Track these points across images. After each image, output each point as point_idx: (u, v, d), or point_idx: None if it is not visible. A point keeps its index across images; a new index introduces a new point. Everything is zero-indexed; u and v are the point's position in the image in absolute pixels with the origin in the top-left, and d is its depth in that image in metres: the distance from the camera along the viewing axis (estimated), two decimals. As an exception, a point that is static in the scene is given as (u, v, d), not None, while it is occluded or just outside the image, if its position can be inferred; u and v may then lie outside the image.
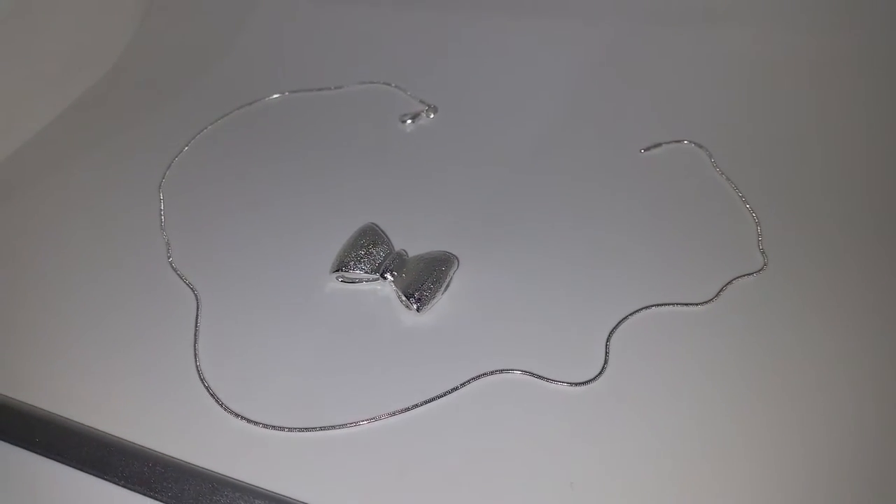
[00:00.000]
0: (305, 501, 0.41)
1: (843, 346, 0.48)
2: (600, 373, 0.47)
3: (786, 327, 0.49)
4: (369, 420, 0.45)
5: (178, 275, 0.54)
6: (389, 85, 0.72)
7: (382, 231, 0.55)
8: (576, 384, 0.47)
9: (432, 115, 0.69)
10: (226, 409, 0.46)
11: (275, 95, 0.71)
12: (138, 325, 0.51)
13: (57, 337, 0.50)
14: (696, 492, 0.41)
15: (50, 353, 0.49)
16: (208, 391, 0.47)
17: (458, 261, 0.53)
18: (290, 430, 0.45)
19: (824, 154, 0.62)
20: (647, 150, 0.63)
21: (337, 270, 0.53)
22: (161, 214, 0.59)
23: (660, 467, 0.43)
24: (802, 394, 0.46)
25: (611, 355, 0.48)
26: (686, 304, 0.51)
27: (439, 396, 0.47)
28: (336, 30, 0.79)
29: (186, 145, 0.66)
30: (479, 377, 0.47)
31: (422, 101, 0.70)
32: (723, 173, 0.61)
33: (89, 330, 0.51)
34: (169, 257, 0.56)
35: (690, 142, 0.63)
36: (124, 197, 0.61)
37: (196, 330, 0.51)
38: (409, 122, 0.68)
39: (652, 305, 0.51)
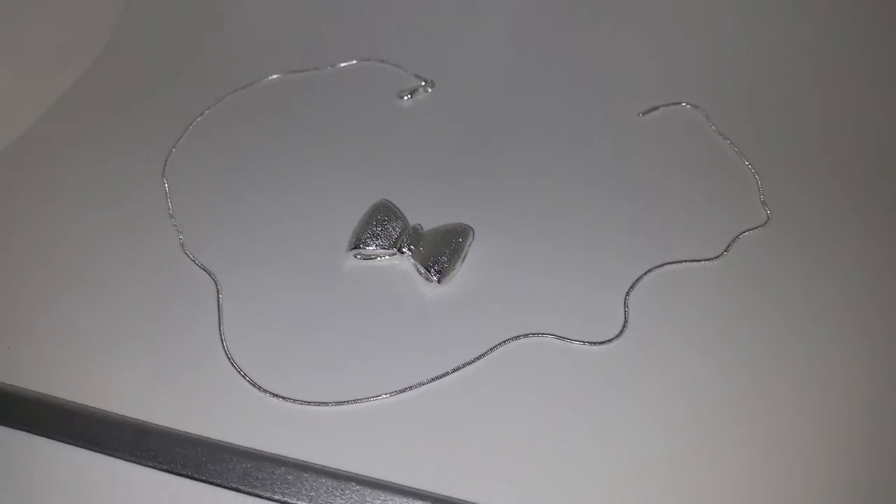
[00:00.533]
0: (350, 471, 0.42)
1: (850, 290, 0.50)
2: (622, 331, 0.49)
3: (794, 277, 0.51)
4: (403, 390, 0.46)
5: (194, 261, 0.54)
6: (384, 62, 0.72)
7: (396, 207, 0.56)
8: (599, 343, 0.48)
9: (430, 90, 0.69)
10: (260, 388, 0.47)
11: (272, 76, 0.70)
12: (162, 315, 0.51)
13: (82, 334, 0.50)
14: (719, 441, 0.43)
15: (79, 349, 0.49)
16: (240, 373, 0.48)
17: (473, 231, 0.54)
18: (327, 404, 0.46)
19: (819, 106, 0.64)
20: (644, 113, 0.64)
21: (354, 248, 0.53)
22: (168, 201, 0.59)
23: (683, 418, 0.44)
24: (815, 341, 0.48)
25: (630, 313, 0.50)
26: (697, 261, 0.52)
27: (468, 363, 0.48)
28: (323, 8, 0.78)
29: (185, 131, 0.66)
30: (504, 342, 0.48)
31: (418, 76, 0.70)
32: (720, 132, 0.62)
33: (114, 324, 0.51)
34: (182, 244, 0.56)
35: (687, 103, 0.65)
36: (127, 188, 0.61)
37: (220, 314, 0.51)
38: (407, 97, 0.68)
39: (665, 264, 0.52)
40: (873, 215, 0.55)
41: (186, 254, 0.55)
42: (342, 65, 0.72)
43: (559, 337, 0.49)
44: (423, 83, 0.69)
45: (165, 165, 0.62)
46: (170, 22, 0.77)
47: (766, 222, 0.55)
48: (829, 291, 0.50)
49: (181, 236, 0.56)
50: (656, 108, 0.65)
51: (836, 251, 0.53)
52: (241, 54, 0.74)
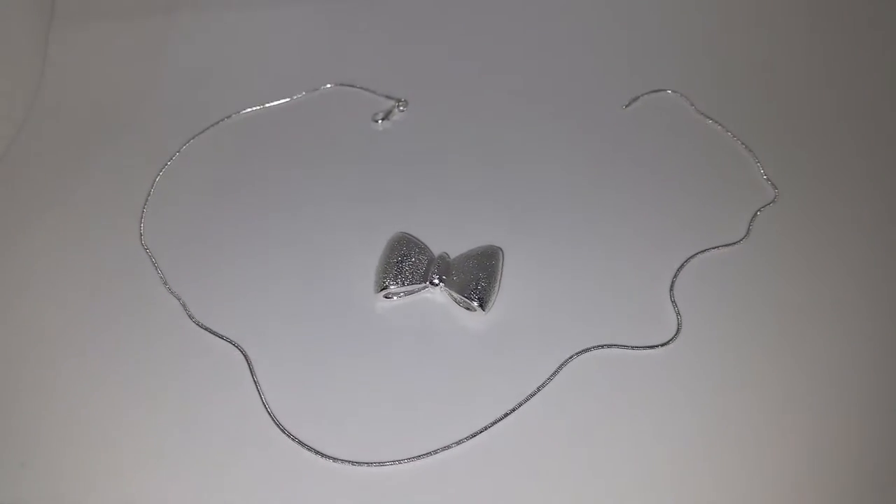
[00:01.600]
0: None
1: (869, 250, 0.53)
2: (678, 328, 0.49)
3: (822, 242, 0.53)
4: (479, 431, 0.44)
5: (212, 333, 0.50)
6: (351, 86, 0.68)
7: (414, 237, 0.53)
8: (660, 345, 0.48)
9: (404, 109, 0.66)
10: (328, 457, 0.43)
11: (232, 115, 0.65)
12: (200, 401, 0.46)
13: (114, 445, 0.44)
14: (796, 416, 0.44)
15: (120, 464, 0.44)
16: (302, 445, 0.44)
17: (502, 251, 0.52)
18: (402, 461, 0.43)
19: (799, 72, 0.66)
20: (628, 105, 0.65)
21: (383, 289, 0.50)
22: (158, 271, 0.54)
23: (762, 402, 0.45)
24: (856, 307, 0.50)
25: (679, 308, 0.50)
26: (726, 246, 0.53)
27: (533, 394, 0.46)
28: (267, 37, 0.73)
29: (151, 187, 0.60)
30: (565, 363, 0.47)
31: (388, 97, 0.67)
32: (706, 115, 0.63)
33: (146, 429, 0.45)
34: (191, 316, 0.51)
35: (666, 90, 0.65)
36: (106, 261, 0.54)
37: (257, 386, 0.47)
38: (381, 120, 0.65)
39: (696, 253, 0.53)
40: (878, 165, 0.58)
41: (203, 327, 0.50)
42: (303, 94, 0.68)
43: (617, 346, 0.48)
44: (396, 103, 0.66)
45: (141, 231, 0.56)
46: (101, 74, 0.69)
47: (775, 197, 0.56)
48: (859, 248, 0.53)
49: (187, 308, 0.51)
50: (637, 98, 0.65)
51: (852, 210, 0.55)
52: (192, 96, 0.68)
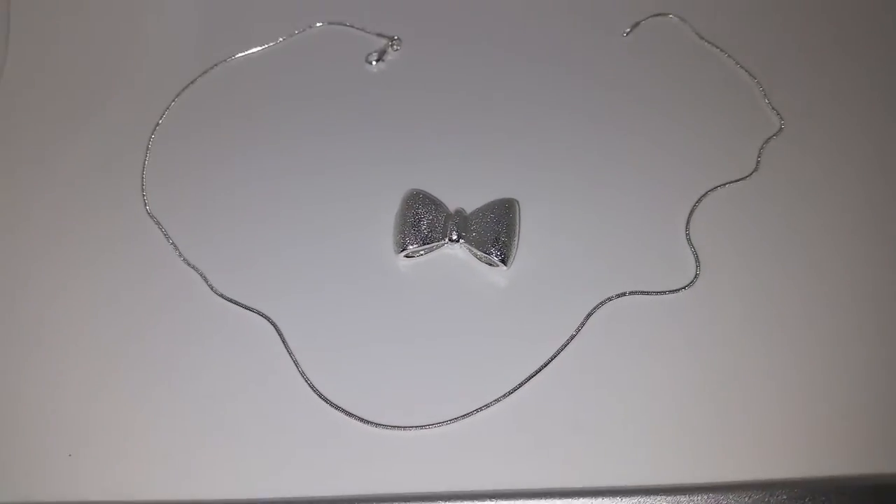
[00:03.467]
0: (490, 489, 0.42)
1: (881, 175, 0.54)
2: (697, 269, 0.50)
3: (830, 171, 0.54)
4: (513, 390, 0.46)
5: (238, 304, 0.49)
6: (342, 24, 0.65)
7: (428, 193, 0.52)
8: (681, 289, 0.49)
9: (397, 48, 0.64)
10: (374, 423, 0.45)
11: (217, 65, 0.62)
12: (236, 377, 0.47)
13: (161, 429, 0.45)
14: (823, 347, 0.47)
15: (165, 449, 0.44)
16: (348, 413, 0.45)
17: (518, 203, 0.52)
18: (448, 422, 0.45)
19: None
20: (628, 32, 0.63)
21: (402, 250, 0.51)
22: (172, 244, 0.52)
23: (787, 336, 0.47)
24: (870, 234, 0.51)
25: (697, 249, 0.51)
26: (737, 181, 0.54)
27: (563, 347, 0.47)
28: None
29: (146, 155, 0.57)
30: (590, 314, 0.48)
31: (380, 35, 0.64)
32: (709, 41, 0.62)
33: (187, 411, 0.46)
34: (212, 288, 0.50)
35: (668, 14, 0.64)
36: (116, 239, 0.53)
37: (292, 356, 0.47)
38: (375, 61, 0.63)
39: (708, 191, 0.54)
40: (885, 92, 0.58)
41: (227, 298, 0.50)
42: (289, 37, 0.64)
43: (640, 292, 0.49)
44: (390, 41, 0.64)
45: (145, 203, 0.55)
46: (73, 32, 0.65)
47: (781, 127, 0.57)
48: (870, 174, 0.54)
49: (208, 281, 0.51)
50: (637, 23, 0.63)
51: (860, 137, 0.56)
52: (173, 46, 0.64)
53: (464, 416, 0.45)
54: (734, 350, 0.47)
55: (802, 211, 0.52)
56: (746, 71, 0.60)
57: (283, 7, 0.66)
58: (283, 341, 0.48)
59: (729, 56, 0.61)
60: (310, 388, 0.46)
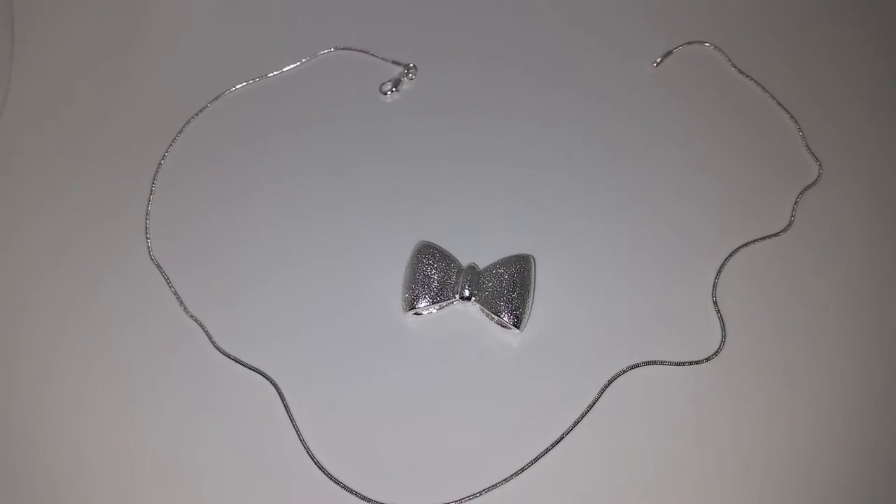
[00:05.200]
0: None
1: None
2: (723, 337, 0.47)
3: (873, 226, 0.50)
4: (522, 469, 0.44)
5: (240, 363, 0.48)
6: (355, 50, 0.62)
7: (438, 246, 0.50)
8: (705, 360, 0.46)
9: (413, 77, 0.61)
10: (374, 502, 0.43)
11: (231, 89, 0.60)
12: (234, 443, 0.45)
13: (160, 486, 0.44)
14: (854, 426, 0.44)
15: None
16: (347, 489, 0.43)
17: (534, 260, 0.49)
18: (459, 502, 0.43)
19: (859, 25, 0.60)
20: (658, 63, 0.59)
21: (411, 308, 0.48)
22: (174, 293, 0.51)
23: (816, 412, 0.44)
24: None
25: (723, 314, 0.48)
26: (770, 237, 0.50)
27: (577, 422, 0.45)
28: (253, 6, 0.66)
29: (150, 193, 0.55)
30: (608, 385, 0.46)
31: (395, 62, 0.61)
32: (744, 72, 0.58)
33: (194, 464, 0.44)
34: (214, 344, 0.49)
35: (700, 42, 0.60)
36: (117, 285, 0.51)
37: (293, 422, 0.46)
38: (391, 91, 0.60)
39: (739, 248, 0.50)
40: None
41: (229, 357, 0.48)
42: (301, 62, 0.61)
43: (662, 362, 0.46)
44: (405, 70, 0.61)
45: (149, 248, 0.53)
46: (74, 62, 0.62)
47: (819, 175, 0.53)
48: None
49: (210, 336, 0.49)
50: (669, 52, 0.59)
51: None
52: (178, 75, 0.62)
53: (471, 497, 0.43)
54: (759, 430, 0.44)
55: (841, 272, 0.49)
56: (785, 109, 0.56)
57: (294, 32, 0.63)
58: (285, 404, 0.46)
59: (766, 91, 0.57)
60: (310, 459, 0.44)
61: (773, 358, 0.46)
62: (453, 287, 0.48)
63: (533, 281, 0.48)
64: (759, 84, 0.57)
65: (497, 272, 0.48)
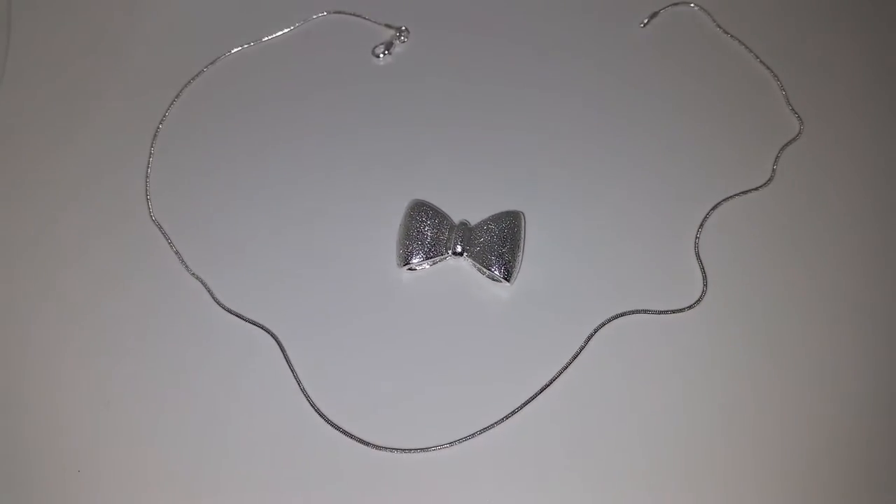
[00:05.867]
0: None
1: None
2: (704, 286, 0.49)
3: (852, 181, 0.52)
4: (513, 412, 0.46)
5: (241, 318, 0.50)
6: (343, 13, 0.63)
7: (431, 204, 0.51)
8: (686, 308, 0.48)
9: (405, 40, 0.62)
10: (373, 445, 0.45)
11: (209, 64, 0.61)
12: (233, 391, 0.47)
13: (166, 446, 0.46)
14: (834, 374, 0.46)
15: (163, 465, 0.46)
16: (346, 434, 0.46)
17: (523, 215, 0.51)
18: (449, 445, 0.45)
19: None
20: (645, 24, 0.60)
21: (405, 264, 0.50)
22: (176, 252, 0.52)
23: (798, 365, 0.46)
24: (894, 252, 0.50)
25: (705, 265, 0.49)
26: (751, 191, 0.52)
27: (564, 368, 0.47)
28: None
29: (149, 159, 0.56)
30: (593, 333, 0.48)
31: (388, 26, 0.62)
32: (729, 34, 0.59)
33: (198, 422, 0.46)
34: (216, 300, 0.51)
35: (685, 2, 0.61)
36: (119, 246, 0.53)
37: (294, 372, 0.48)
38: (383, 54, 0.61)
39: (721, 202, 0.52)
40: None
41: (228, 310, 0.50)
42: (293, 27, 0.62)
43: (646, 311, 0.48)
44: (397, 33, 0.62)
45: (150, 209, 0.54)
46: (72, 28, 0.63)
47: (800, 131, 0.54)
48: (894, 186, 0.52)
49: (211, 291, 0.51)
50: (656, 13, 0.60)
51: (885, 145, 0.53)
52: (172, 41, 0.63)
53: (465, 439, 0.45)
54: (740, 374, 0.46)
55: (819, 225, 0.51)
56: (768, 68, 0.57)
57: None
58: (285, 356, 0.48)
59: (750, 51, 0.58)
60: (311, 407, 0.47)
61: (752, 306, 0.48)
62: (446, 243, 0.50)
63: (523, 236, 0.50)
64: (742, 43, 0.58)
65: (488, 227, 0.50)
